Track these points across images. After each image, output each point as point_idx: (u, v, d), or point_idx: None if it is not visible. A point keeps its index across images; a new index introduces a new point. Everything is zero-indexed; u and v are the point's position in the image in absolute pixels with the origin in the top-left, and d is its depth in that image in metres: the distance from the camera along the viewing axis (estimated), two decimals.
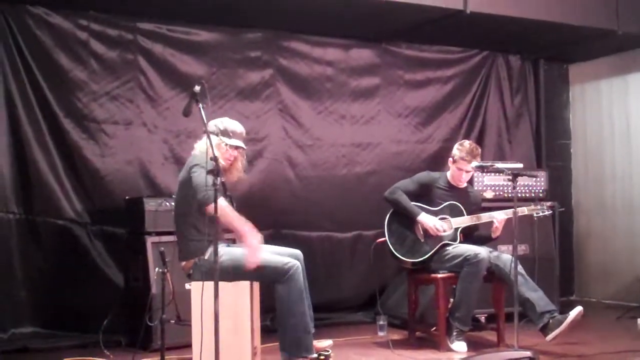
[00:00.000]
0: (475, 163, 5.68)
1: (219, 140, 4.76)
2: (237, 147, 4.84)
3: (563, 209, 6.49)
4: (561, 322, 5.28)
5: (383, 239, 5.71)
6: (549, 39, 7.56)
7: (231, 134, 4.82)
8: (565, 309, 7.19)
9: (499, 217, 5.57)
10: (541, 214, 5.58)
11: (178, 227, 4.75)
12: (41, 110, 6.03)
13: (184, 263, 4.73)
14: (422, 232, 5.63)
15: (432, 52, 7.74)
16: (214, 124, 4.81)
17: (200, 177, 4.41)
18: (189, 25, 6.60)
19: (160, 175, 6.43)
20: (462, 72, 7.88)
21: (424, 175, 5.86)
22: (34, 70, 5.98)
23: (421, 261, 5.63)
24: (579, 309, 5.35)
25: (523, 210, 5.52)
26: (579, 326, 6.54)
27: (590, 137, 8.41)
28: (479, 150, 5.82)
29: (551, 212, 5.67)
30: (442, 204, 5.71)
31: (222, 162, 4.62)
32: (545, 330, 5.32)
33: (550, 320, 5.34)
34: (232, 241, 4.96)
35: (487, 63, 8.02)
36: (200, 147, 4.75)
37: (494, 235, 5.66)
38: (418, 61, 7.66)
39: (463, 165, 5.68)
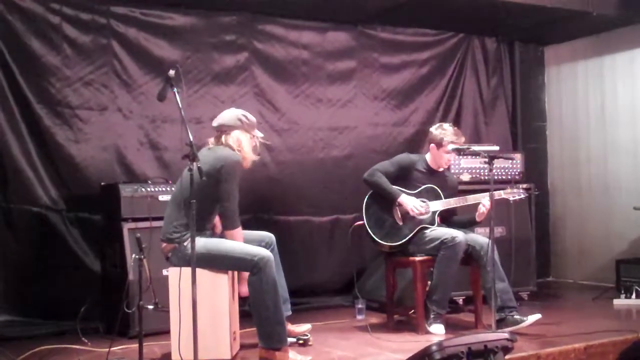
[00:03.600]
0: (463, 139, 5.73)
1: (250, 135, 4.88)
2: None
3: (538, 192, 6.51)
4: (517, 323, 5.34)
5: (361, 222, 5.71)
6: (525, 21, 7.56)
7: (255, 125, 4.96)
8: (542, 290, 7.32)
9: (486, 202, 5.52)
10: (517, 197, 5.59)
11: (174, 209, 4.75)
12: (13, 96, 5.93)
13: (164, 245, 4.76)
14: (400, 215, 5.62)
15: (408, 35, 7.73)
16: (237, 118, 4.87)
17: (236, 199, 4.71)
18: (163, 9, 6.52)
19: (136, 161, 6.38)
20: (438, 55, 7.87)
21: (403, 157, 5.84)
22: (6, 56, 5.88)
23: (399, 245, 5.64)
24: (537, 316, 5.40)
25: (500, 194, 5.53)
26: (555, 308, 6.66)
27: (565, 119, 8.45)
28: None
29: (527, 195, 5.68)
30: (420, 187, 5.70)
31: (252, 158, 4.87)
32: (500, 324, 5.34)
33: (507, 317, 5.40)
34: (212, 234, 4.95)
35: (462, 46, 8.03)
36: (238, 142, 4.81)
37: (478, 219, 5.63)
38: (394, 44, 7.65)
39: (453, 148, 5.65)
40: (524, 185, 5.73)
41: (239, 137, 4.82)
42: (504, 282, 5.45)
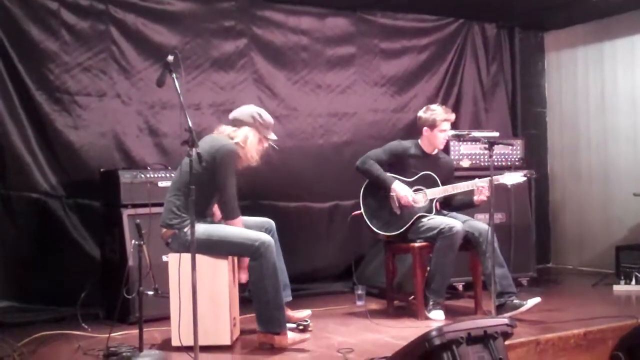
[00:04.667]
0: (453, 116, 5.72)
1: (261, 136, 4.84)
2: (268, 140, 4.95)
3: (535, 175, 6.49)
4: (516, 308, 5.33)
5: (359, 211, 5.69)
6: (524, 7, 7.54)
7: (269, 127, 4.91)
8: (542, 276, 7.33)
9: (478, 184, 5.51)
10: (515, 182, 5.57)
11: (174, 195, 4.74)
12: (12, 83, 5.92)
13: (164, 230, 4.76)
14: (397, 204, 5.60)
15: (408, 21, 7.71)
16: (251, 115, 4.86)
17: (233, 188, 4.68)
18: None
19: (135, 147, 6.37)
20: (437, 41, 7.86)
21: (395, 145, 5.81)
22: (4, 42, 5.86)
23: (397, 234, 5.64)
24: (537, 300, 5.37)
25: (497, 179, 5.49)
26: (555, 294, 6.67)
27: (565, 105, 8.44)
28: None
29: (526, 178, 5.65)
30: (416, 174, 5.66)
31: (253, 155, 4.82)
32: (499, 309, 5.35)
33: (507, 302, 5.39)
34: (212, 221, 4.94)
35: (462, 31, 8.01)
36: (246, 138, 4.79)
37: (477, 203, 5.60)
38: (393, 30, 7.63)
39: (446, 125, 5.63)
40: (524, 172, 5.70)
41: (247, 133, 4.80)
42: (503, 267, 5.44)
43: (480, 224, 5.56)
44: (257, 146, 4.84)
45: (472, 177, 5.83)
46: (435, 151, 5.80)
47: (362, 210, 5.65)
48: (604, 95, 7.97)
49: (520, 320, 5.17)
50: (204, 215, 4.73)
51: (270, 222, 5.15)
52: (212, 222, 4.87)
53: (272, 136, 4.92)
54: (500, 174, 5.58)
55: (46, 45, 6.00)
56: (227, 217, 4.75)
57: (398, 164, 5.72)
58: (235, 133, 4.81)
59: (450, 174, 5.86)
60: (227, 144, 4.72)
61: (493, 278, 5.12)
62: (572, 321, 5.19)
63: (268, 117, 4.93)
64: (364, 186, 5.70)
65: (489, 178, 5.24)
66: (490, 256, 5.23)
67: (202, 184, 4.44)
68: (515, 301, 5.38)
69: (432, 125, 5.67)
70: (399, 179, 5.63)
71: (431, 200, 5.63)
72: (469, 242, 5.53)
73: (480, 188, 5.50)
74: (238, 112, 4.90)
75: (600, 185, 7.99)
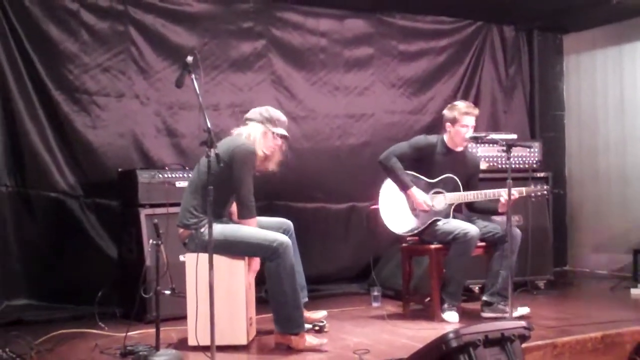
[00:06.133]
0: (477, 112, 5.68)
1: (265, 129, 4.83)
2: (282, 137, 4.91)
3: (560, 192, 6.38)
4: (502, 312, 5.33)
5: (376, 206, 5.69)
6: (543, 9, 7.51)
7: (277, 122, 4.90)
8: (559, 279, 7.30)
9: (502, 198, 5.43)
10: (539, 194, 5.56)
11: (192, 195, 4.76)
12: (32, 83, 5.98)
13: (181, 230, 4.78)
14: (413, 206, 5.61)
15: (426, 23, 7.71)
16: (258, 112, 4.90)
17: (249, 187, 4.68)
18: None
19: (153, 148, 6.41)
20: (455, 43, 7.86)
21: (421, 140, 5.75)
22: (24, 43, 5.92)
23: (411, 235, 5.65)
24: (526, 309, 5.44)
25: (522, 192, 5.48)
26: (572, 297, 6.65)
27: (584, 108, 8.39)
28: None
29: (547, 194, 5.64)
30: (440, 173, 5.62)
31: (264, 152, 4.81)
32: (486, 306, 5.48)
33: (495, 304, 5.42)
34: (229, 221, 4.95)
35: (481, 33, 8.00)
36: (249, 133, 4.82)
37: (501, 210, 5.52)
38: (412, 31, 7.63)
39: (467, 121, 5.57)
40: (545, 187, 5.65)
41: (252, 129, 4.83)
42: (507, 270, 5.41)
43: (502, 226, 5.52)
44: (263, 140, 4.82)
45: (489, 180, 5.82)
46: (460, 148, 5.74)
47: (379, 205, 5.64)
48: (622, 97, 7.92)
49: (538, 323, 5.16)
50: (220, 215, 4.75)
51: (288, 222, 5.16)
52: (230, 222, 4.87)
53: (280, 130, 4.89)
54: (522, 179, 5.56)
55: (66, 46, 6.05)
56: (244, 215, 4.73)
57: (423, 159, 5.68)
58: (242, 130, 4.86)
59: (475, 172, 5.83)
60: (245, 144, 4.74)
61: (510, 274, 5.11)
62: (589, 324, 5.15)
63: (276, 113, 4.93)
64: (385, 182, 5.69)
65: (514, 189, 5.21)
66: (508, 257, 5.22)
67: (219, 184, 4.46)
68: (503, 306, 5.36)
69: (454, 120, 5.62)
70: (421, 180, 5.62)
71: (450, 205, 5.62)
72: (492, 244, 5.54)
73: (504, 200, 5.41)
74: (249, 112, 4.95)
75: (619, 188, 7.94)
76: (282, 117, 4.97)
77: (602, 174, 8.14)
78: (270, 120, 4.87)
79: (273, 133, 4.86)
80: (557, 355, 4.69)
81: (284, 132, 4.92)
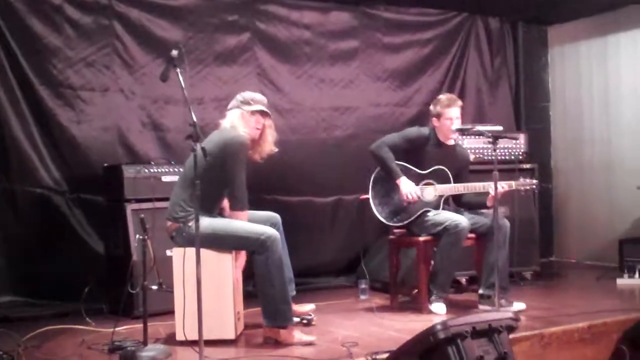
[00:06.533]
0: (460, 103, 5.68)
1: (241, 111, 4.83)
2: (262, 113, 4.89)
3: (548, 185, 6.36)
4: (502, 306, 5.27)
5: (366, 195, 5.69)
6: (528, 1, 7.53)
7: (251, 102, 4.88)
8: (545, 270, 7.33)
9: (490, 190, 5.42)
10: (528, 188, 5.58)
11: (182, 189, 4.75)
12: (16, 78, 5.92)
13: (169, 224, 4.77)
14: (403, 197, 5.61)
15: (411, 15, 7.71)
16: (234, 100, 4.93)
17: (242, 179, 4.67)
18: None
19: (138, 142, 6.37)
20: (440, 35, 7.86)
21: (413, 131, 5.77)
22: (7, 37, 5.86)
23: (400, 226, 5.66)
24: (522, 306, 5.45)
25: (511, 185, 5.50)
26: (558, 287, 6.69)
27: (569, 99, 8.43)
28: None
29: (535, 188, 5.66)
30: (430, 166, 5.64)
31: (249, 133, 4.81)
32: (482, 299, 5.52)
33: (493, 297, 5.33)
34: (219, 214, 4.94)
35: (465, 25, 8.01)
36: (230, 120, 4.84)
37: (488, 204, 5.53)
38: (396, 24, 7.62)
39: (451, 113, 5.59)
40: (534, 181, 5.67)
41: (231, 116, 4.86)
42: (504, 263, 5.43)
43: (489, 219, 5.53)
44: (242, 123, 4.80)
45: (476, 172, 5.82)
46: (452, 142, 5.76)
47: (370, 195, 5.65)
48: (607, 88, 7.95)
49: (525, 314, 5.19)
50: (211, 210, 4.73)
51: (276, 216, 5.16)
52: (220, 217, 4.86)
53: (255, 107, 4.85)
54: (509, 171, 5.58)
55: (49, 40, 6.00)
56: (236, 207, 4.72)
57: (414, 150, 5.69)
58: (224, 121, 4.87)
59: (465, 166, 5.85)
60: (237, 136, 4.73)
61: (496, 266, 5.11)
62: (576, 315, 5.18)
63: (249, 94, 4.93)
64: (375, 172, 5.70)
65: (501, 184, 5.23)
66: (496, 250, 5.24)
67: (210, 178, 4.46)
68: (502, 300, 5.34)
69: (438, 115, 5.65)
70: (411, 171, 5.62)
71: (440, 196, 5.62)
72: (481, 236, 5.55)
73: (492, 196, 5.40)
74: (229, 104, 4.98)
75: (604, 179, 7.98)
76: (257, 97, 4.95)
77: (588, 164, 8.18)
78: (244, 102, 4.86)
79: (249, 112, 4.83)
80: (544, 346, 4.71)
81: (261, 108, 4.89)
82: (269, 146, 5.00)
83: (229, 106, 4.93)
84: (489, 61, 8.16)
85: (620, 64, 7.82)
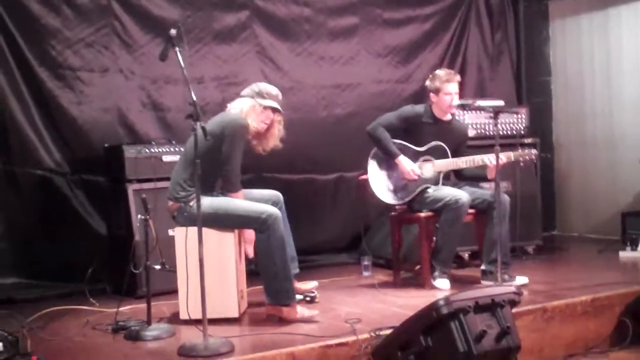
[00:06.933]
0: (458, 78, 5.66)
1: (253, 102, 4.83)
2: (273, 110, 4.88)
3: (547, 155, 6.34)
4: (505, 281, 5.26)
5: (365, 176, 5.70)
6: None
7: (266, 95, 4.87)
8: (548, 244, 7.33)
9: (487, 162, 5.42)
10: (527, 158, 5.53)
11: (183, 168, 4.75)
12: (15, 60, 5.89)
13: (170, 203, 4.78)
14: (402, 174, 5.61)
15: None
16: (250, 88, 4.91)
17: (237, 161, 4.70)
18: None
19: (138, 122, 6.35)
20: (441, 10, 7.81)
21: (408, 110, 5.76)
22: (5, 19, 5.82)
23: (401, 204, 5.66)
24: (524, 280, 5.44)
25: (510, 156, 5.45)
26: (561, 261, 6.70)
27: (570, 73, 8.38)
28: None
29: (535, 158, 5.60)
30: (428, 143, 5.63)
31: (255, 126, 4.81)
32: (485, 275, 5.51)
33: (495, 272, 5.25)
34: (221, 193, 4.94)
35: (466, 0, 7.94)
36: (238, 107, 4.83)
37: (489, 176, 5.50)
38: None
39: (449, 88, 5.57)
40: (533, 151, 5.60)
41: (242, 102, 4.85)
42: (505, 238, 5.43)
43: (489, 193, 5.52)
44: (252, 114, 4.81)
45: (477, 147, 5.81)
46: (448, 117, 5.74)
47: (368, 174, 5.65)
48: (609, 62, 7.91)
49: (527, 288, 5.20)
50: (212, 189, 4.74)
51: (277, 194, 5.15)
52: (221, 195, 4.86)
53: (269, 102, 4.86)
54: (509, 145, 5.56)
55: (47, 21, 5.96)
56: (229, 189, 4.76)
57: (410, 129, 5.68)
58: (234, 104, 4.86)
59: (463, 141, 5.83)
60: (237, 118, 4.73)
61: (498, 242, 5.12)
62: (578, 288, 5.20)
63: (266, 87, 4.93)
64: (372, 151, 5.70)
65: (501, 154, 5.21)
66: (497, 224, 5.23)
67: (211, 157, 4.47)
68: (504, 275, 5.35)
69: (437, 90, 5.62)
70: (409, 148, 5.61)
71: (438, 172, 5.62)
72: (482, 211, 5.53)
73: (492, 166, 5.38)
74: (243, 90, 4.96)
75: (606, 153, 7.96)
76: (274, 91, 4.94)
77: (590, 138, 8.15)
78: (259, 94, 4.86)
79: (261, 106, 4.84)
80: (547, 320, 4.73)
81: (273, 104, 4.89)
82: (273, 141, 5.01)
83: (243, 93, 4.92)
84: (489, 36, 8.11)
85: (622, 37, 7.77)
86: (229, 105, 4.93)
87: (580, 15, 8.26)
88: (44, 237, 5.94)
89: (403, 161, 5.56)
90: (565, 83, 8.45)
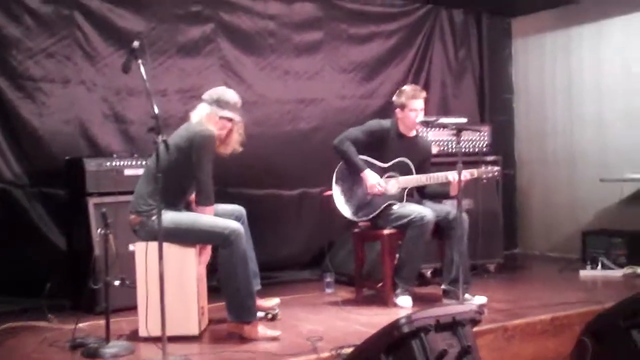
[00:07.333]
0: (424, 94, 5.67)
1: (211, 111, 4.76)
2: (230, 120, 4.81)
3: (510, 172, 6.38)
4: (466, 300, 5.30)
5: (330, 192, 5.68)
6: None
7: (224, 105, 4.80)
8: (509, 262, 7.38)
9: (451, 179, 5.43)
10: (490, 175, 5.56)
11: (146, 182, 4.69)
12: None
13: (132, 217, 4.71)
14: (368, 189, 5.60)
15: (376, 6, 7.70)
16: (208, 93, 4.85)
17: (208, 173, 4.64)
18: None
19: (100, 135, 6.27)
20: (405, 26, 7.85)
21: (374, 124, 5.77)
22: None
23: (365, 220, 5.66)
24: (483, 299, 5.44)
25: (473, 173, 5.49)
26: (522, 280, 6.73)
27: (532, 91, 8.48)
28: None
29: (497, 175, 5.63)
30: (392, 159, 5.64)
31: (216, 131, 4.74)
32: (446, 294, 5.52)
33: (455, 291, 5.30)
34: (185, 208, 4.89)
35: (430, 17, 8.02)
36: (198, 114, 4.78)
37: (452, 194, 5.50)
38: (362, 15, 7.60)
39: (415, 104, 5.58)
40: (496, 169, 5.64)
41: (200, 109, 4.81)
42: (463, 257, 5.44)
43: (450, 209, 5.54)
44: (210, 121, 4.75)
45: (440, 164, 5.83)
46: (413, 133, 5.76)
47: (333, 191, 5.63)
48: (570, 81, 8.01)
49: (488, 307, 5.21)
50: (176, 204, 4.69)
51: (240, 209, 5.11)
52: (185, 211, 4.81)
53: (226, 114, 4.80)
54: (473, 163, 5.58)
55: (8, 31, 5.86)
56: (202, 202, 4.69)
57: (376, 144, 5.68)
58: (194, 112, 4.82)
59: (427, 157, 5.85)
60: (203, 129, 4.67)
61: (457, 257, 5.15)
62: (539, 307, 5.22)
63: (226, 95, 4.86)
64: (337, 167, 5.68)
65: (464, 172, 5.22)
66: (458, 242, 5.24)
67: (176, 172, 4.44)
68: (466, 293, 5.35)
69: (402, 106, 5.64)
70: (372, 163, 5.61)
71: (403, 189, 5.62)
72: (442, 229, 5.54)
73: (455, 183, 5.39)
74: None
75: (567, 171, 8.05)
76: (233, 99, 4.87)
77: (551, 156, 8.25)
78: (218, 102, 4.79)
79: (217, 115, 4.79)
80: (508, 338, 4.74)
81: (230, 115, 4.83)
82: (233, 145, 4.96)
83: (203, 96, 4.87)
84: (453, 53, 8.18)
85: (583, 57, 7.88)
86: (191, 114, 4.87)
87: (543, 34, 8.36)
88: (1, 251, 5.80)
89: (369, 175, 5.56)
90: (527, 101, 8.54)
